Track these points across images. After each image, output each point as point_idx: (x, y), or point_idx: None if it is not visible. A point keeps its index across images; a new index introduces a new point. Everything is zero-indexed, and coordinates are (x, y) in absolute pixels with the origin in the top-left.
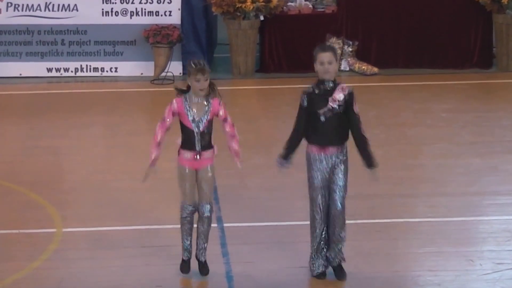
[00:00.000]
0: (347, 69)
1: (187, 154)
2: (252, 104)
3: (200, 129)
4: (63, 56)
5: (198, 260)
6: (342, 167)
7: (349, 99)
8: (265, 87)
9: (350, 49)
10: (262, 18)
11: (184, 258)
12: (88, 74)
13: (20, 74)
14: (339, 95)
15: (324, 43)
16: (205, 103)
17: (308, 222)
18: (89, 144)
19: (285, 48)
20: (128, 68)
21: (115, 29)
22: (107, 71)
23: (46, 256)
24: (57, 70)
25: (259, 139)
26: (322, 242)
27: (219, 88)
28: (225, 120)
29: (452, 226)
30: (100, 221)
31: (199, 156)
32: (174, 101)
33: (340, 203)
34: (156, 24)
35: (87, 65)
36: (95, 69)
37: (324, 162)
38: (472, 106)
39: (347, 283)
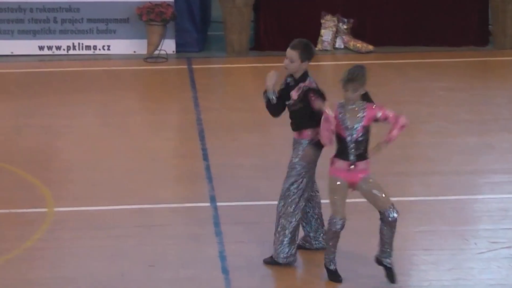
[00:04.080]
0: (342, 47)
1: (341, 164)
2: (246, 82)
3: (355, 137)
4: (56, 34)
5: (383, 264)
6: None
7: (304, 98)
8: (260, 65)
9: (345, 27)
10: None
11: (331, 268)
12: (81, 52)
13: (12, 52)
14: (294, 94)
15: (301, 39)
16: (358, 109)
17: None
18: (81, 123)
19: (280, 25)
20: (121, 46)
21: (108, 7)
22: (99, 49)
23: (38, 236)
24: (49, 48)
25: (253, 118)
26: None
27: (213, 66)
28: (386, 118)
29: (448, 205)
30: (93, 201)
31: (354, 166)
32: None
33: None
34: (150, 2)
35: (79, 43)
36: (88, 47)
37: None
38: (468, 84)
39: (342, 262)
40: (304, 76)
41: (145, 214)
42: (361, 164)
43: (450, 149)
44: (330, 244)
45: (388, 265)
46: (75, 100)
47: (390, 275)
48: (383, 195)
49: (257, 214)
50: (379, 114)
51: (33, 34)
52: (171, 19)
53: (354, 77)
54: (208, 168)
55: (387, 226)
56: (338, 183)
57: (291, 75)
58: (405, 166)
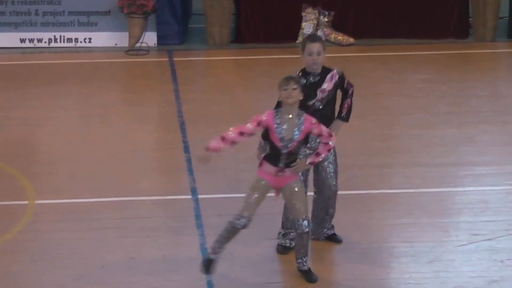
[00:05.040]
0: (323, 39)
1: (269, 168)
2: (227, 75)
3: (289, 149)
4: (37, 26)
5: (301, 271)
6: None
7: (340, 83)
8: (241, 58)
9: (326, 19)
10: None
11: (210, 257)
12: (62, 44)
13: None
14: (328, 85)
15: (313, 34)
16: (296, 121)
17: None
18: (63, 115)
19: (261, 18)
20: (102, 38)
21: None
22: (81, 42)
23: (19, 228)
24: (31, 40)
25: (234, 110)
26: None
27: (194, 58)
28: (320, 135)
29: (428, 197)
30: (74, 193)
31: (282, 173)
32: (266, 112)
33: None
34: None
35: (61, 36)
36: (69, 40)
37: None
38: (448, 76)
39: (322, 255)
40: (324, 66)
41: (126, 207)
42: (289, 171)
43: (430, 141)
44: (224, 238)
45: (306, 268)
46: (56, 92)
47: (310, 276)
48: (301, 207)
49: (238, 206)
50: (315, 131)
51: (15, 26)
52: (152, 11)
53: (293, 76)
54: (189, 160)
55: (299, 237)
56: (263, 182)
57: (307, 73)
58: (385, 158)
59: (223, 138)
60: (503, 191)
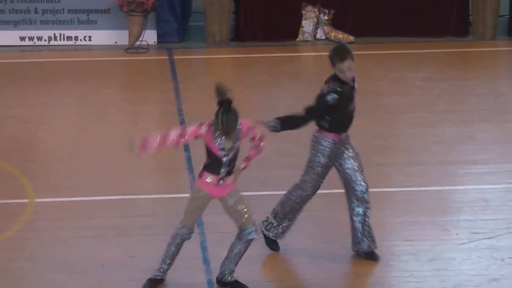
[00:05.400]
0: (323, 37)
1: (209, 178)
2: (227, 73)
3: (229, 157)
4: (37, 24)
5: (226, 282)
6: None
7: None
8: (240, 56)
9: (326, 18)
10: None
11: (152, 277)
12: (62, 42)
13: None
14: (356, 85)
15: (339, 47)
16: (235, 132)
17: (281, 192)
18: (62, 114)
19: (261, 16)
20: (102, 36)
21: None
22: (81, 40)
23: (18, 226)
24: (30, 38)
25: None
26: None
27: (194, 57)
28: (254, 138)
29: (428, 196)
30: (73, 191)
31: (223, 181)
32: (206, 124)
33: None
34: None
35: (60, 34)
36: (69, 38)
37: (339, 146)
38: (448, 74)
39: (322, 254)
40: None
41: (125, 205)
42: (229, 179)
43: (429, 139)
44: (170, 254)
45: (232, 280)
46: (56, 91)
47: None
48: (248, 213)
49: None
50: (250, 134)
51: (14, 24)
52: (152, 9)
53: (231, 129)
54: (189, 159)
55: (242, 244)
56: (202, 193)
57: (343, 82)
58: (385, 157)
59: (160, 146)
60: (503, 190)
